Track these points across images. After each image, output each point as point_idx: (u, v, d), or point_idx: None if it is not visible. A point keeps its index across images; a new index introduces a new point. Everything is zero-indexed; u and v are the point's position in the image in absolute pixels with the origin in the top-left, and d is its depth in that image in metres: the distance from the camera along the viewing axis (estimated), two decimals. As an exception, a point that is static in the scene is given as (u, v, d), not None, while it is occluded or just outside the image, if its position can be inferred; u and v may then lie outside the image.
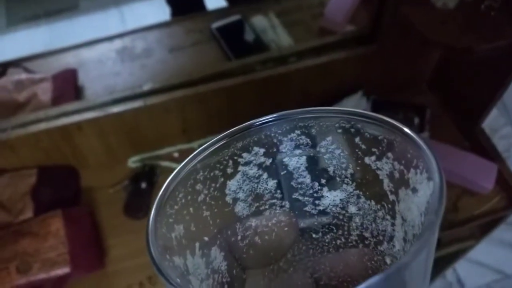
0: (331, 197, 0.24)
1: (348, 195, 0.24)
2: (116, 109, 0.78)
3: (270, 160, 0.24)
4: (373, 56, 0.87)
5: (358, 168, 0.23)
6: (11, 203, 0.79)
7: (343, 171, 0.24)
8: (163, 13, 1.26)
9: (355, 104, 0.90)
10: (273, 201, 0.25)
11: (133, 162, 0.88)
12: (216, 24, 1.01)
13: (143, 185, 0.83)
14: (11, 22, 1.61)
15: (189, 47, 1.00)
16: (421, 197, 0.19)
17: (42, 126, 0.78)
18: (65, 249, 0.74)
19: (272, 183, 0.24)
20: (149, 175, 0.85)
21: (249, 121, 0.23)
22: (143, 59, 0.99)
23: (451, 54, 0.87)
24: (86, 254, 0.76)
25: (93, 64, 0.99)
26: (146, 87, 0.80)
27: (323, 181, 0.24)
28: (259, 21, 1.01)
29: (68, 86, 0.93)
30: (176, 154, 0.89)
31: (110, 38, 1.03)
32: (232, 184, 0.24)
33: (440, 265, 1.09)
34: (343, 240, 0.25)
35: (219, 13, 1.05)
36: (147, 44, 1.01)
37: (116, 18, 1.70)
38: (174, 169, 0.21)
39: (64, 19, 1.56)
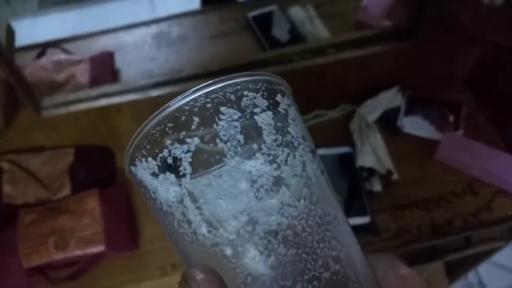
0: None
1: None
2: (155, 92, 0.79)
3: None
4: (411, 52, 0.87)
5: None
6: (50, 180, 0.81)
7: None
8: (193, 1, 1.26)
9: (391, 99, 0.89)
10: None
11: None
12: (252, 13, 1.01)
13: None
14: (43, 5, 1.63)
15: (224, 35, 1.01)
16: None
17: (83, 106, 0.78)
18: (100, 228, 0.75)
19: None
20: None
21: None
22: (178, 45, 0.99)
23: (494, 51, 0.86)
24: (121, 234, 0.77)
25: (129, 48, 1.00)
26: (186, 72, 0.80)
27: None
28: (296, 12, 1.01)
29: (105, 68, 0.94)
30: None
31: (146, 23, 1.03)
32: None
33: (466, 265, 1.09)
34: None
35: (255, 2, 1.05)
36: (183, 31, 1.02)
37: (146, 4, 1.71)
38: None
39: (94, 3, 1.57)
